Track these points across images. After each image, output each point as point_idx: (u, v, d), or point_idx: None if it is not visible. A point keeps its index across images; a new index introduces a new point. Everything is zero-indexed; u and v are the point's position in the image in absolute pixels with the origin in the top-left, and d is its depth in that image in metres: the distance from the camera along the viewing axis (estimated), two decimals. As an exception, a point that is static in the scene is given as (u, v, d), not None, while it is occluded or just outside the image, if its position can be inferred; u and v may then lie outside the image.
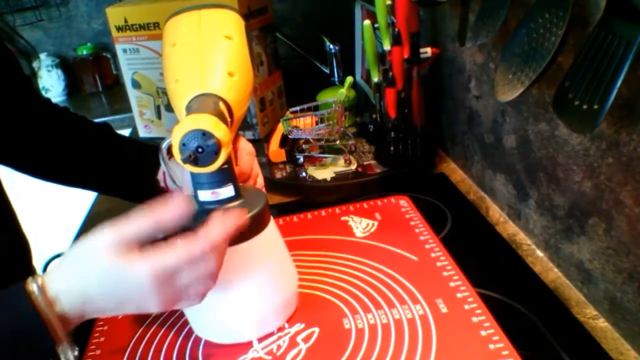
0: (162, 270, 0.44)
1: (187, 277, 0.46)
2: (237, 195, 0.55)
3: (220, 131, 0.48)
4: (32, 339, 0.45)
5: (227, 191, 0.54)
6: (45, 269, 0.81)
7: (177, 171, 0.63)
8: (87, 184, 0.77)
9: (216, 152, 0.48)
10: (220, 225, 0.47)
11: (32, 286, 0.44)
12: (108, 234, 0.45)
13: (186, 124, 0.48)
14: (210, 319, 0.58)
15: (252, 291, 0.57)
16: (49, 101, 0.77)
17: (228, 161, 0.52)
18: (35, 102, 0.74)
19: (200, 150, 0.48)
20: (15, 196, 0.74)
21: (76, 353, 0.47)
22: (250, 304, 0.57)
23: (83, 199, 1.03)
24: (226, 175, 0.53)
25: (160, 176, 0.71)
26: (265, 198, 0.57)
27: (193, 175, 0.53)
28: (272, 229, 0.58)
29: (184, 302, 0.48)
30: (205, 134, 0.47)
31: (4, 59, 0.68)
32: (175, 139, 0.48)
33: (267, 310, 0.58)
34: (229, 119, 0.51)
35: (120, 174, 0.74)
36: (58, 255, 0.85)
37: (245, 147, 0.63)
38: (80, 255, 0.46)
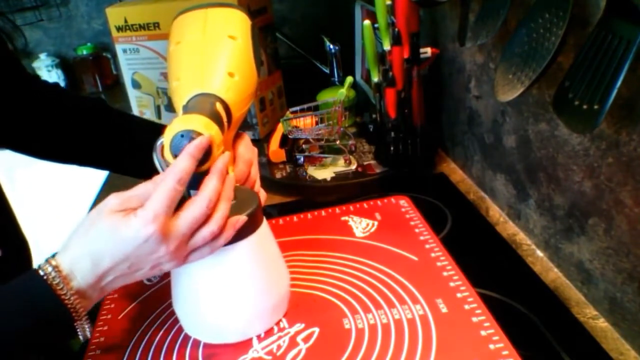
0: (153, 215, 0.46)
1: (183, 219, 0.47)
2: None
3: (210, 132, 0.48)
4: (54, 322, 0.46)
5: None
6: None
7: None
8: (83, 159, 0.75)
9: (207, 153, 0.49)
10: (182, 157, 0.48)
11: (47, 268, 0.46)
12: (106, 200, 0.48)
13: (177, 125, 0.48)
14: (201, 319, 0.57)
15: (243, 291, 0.56)
16: (37, 78, 0.75)
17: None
18: (23, 79, 0.72)
19: None
20: (14, 196, 0.74)
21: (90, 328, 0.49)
22: (241, 304, 0.57)
23: (84, 199, 1.03)
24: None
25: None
26: (257, 199, 0.56)
27: None
28: (264, 230, 0.58)
29: (193, 245, 0.49)
30: (195, 135, 0.48)
31: None
32: (166, 139, 0.48)
33: (258, 310, 0.58)
34: (225, 120, 0.51)
35: (114, 147, 0.72)
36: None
37: (244, 155, 0.61)
38: (84, 224, 0.48)
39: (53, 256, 0.47)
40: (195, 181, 0.52)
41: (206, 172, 0.50)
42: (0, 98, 0.67)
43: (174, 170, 0.47)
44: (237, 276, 0.56)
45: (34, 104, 0.71)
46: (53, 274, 0.45)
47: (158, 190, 0.47)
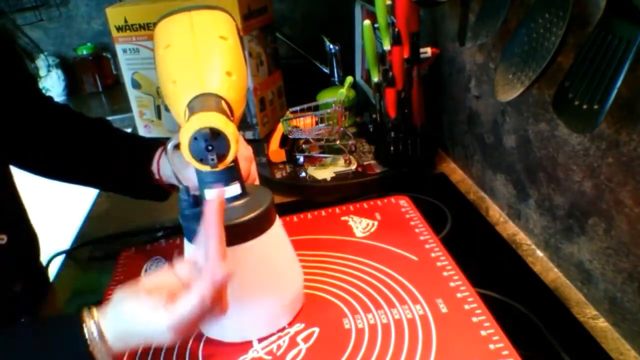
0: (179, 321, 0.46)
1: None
2: (244, 193, 0.55)
3: (229, 129, 0.48)
4: None
5: (234, 189, 0.54)
6: (48, 265, 0.82)
7: (182, 170, 0.63)
8: (84, 179, 0.78)
9: (226, 150, 0.49)
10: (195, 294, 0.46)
11: (92, 328, 0.47)
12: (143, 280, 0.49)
13: (195, 122, 0.47)
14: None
15: (258, 289, 0.57)
16: (50, 99, 0.78)
17: (234, 159, 0.52)
18: (37, 100, 0.75)
19: (210, 148, 0.48)
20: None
21: None
22: (257, 302, 0.57)
23: (84, 197, 1.03)
24: (233, 173, 0.54)
25: (154, 168, 0.71)
26: (271, 196, 0.57)
27: (200, 173, 0.53)
28: (278, 227, 0.58)
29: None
30: (215, 132, 0.48)
31: (9, 57, 0.69)
32: (184, 138, 0.48)
33: (273, 309, 0.58)
34: (231, 118, 0.52)
35: (115, 167, 0.74)
36: (61, 252, 0.85)
37: (244, 153, 0.63)
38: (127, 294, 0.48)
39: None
40: (213, 179, 0.52)
41: (227, 169, 0.51)
42: (15, 117, 0.69)
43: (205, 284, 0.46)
44: (249, 275, 0.56)
45: (45, 124, 0.74)
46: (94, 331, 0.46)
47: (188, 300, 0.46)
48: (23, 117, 0.72)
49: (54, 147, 0.74)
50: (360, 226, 0.77)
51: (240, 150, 0.61)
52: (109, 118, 0.78)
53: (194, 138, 0.48)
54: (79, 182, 0.77)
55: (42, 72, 1.87)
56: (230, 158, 0.50)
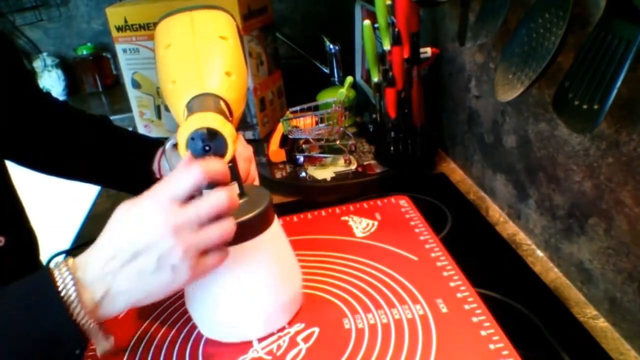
0: (162, 196, 0.45)
1: (194, 204, 0.46)
2: (242, 193, 0.55)
3: (227, 129, 0.48)
4: (62, 339, 0.45)
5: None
6: (48, 265, 0.82)
7: None
8: (84, 176, 0.78)
9: (224, 150, 0.49)
10: (216, 160, 0.47)
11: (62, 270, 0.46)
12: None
13: (193, 123, 0.47)
14: (215, 318, 0.58)
15: (257, 289, 0.57)
16: (48, 95, 0.78)
17: (232, 159, 0.52)
18: (35, 96, 0.75)
19: (207, 148, 0.48)
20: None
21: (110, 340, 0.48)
22: (256, 302, 0.57)
23: (84, 197, 1.04)
24: (231, 173, 0.54)
25: (155, 167, 0.71)
26: (269, 197, 0.57)
27: None
28: (276, 227, 0.58)
29: (204, 241, 0.47)
30: (212, 132, 0.48)
31: (7, 54, 0.69)
32: (181, 138, 0.48)
33: (272, 309, 0.58)
34: (230, 118, 0.52)
35: (116, 166, 0.74)
36: (61, 252, 0.85)
37: (243, 153, 0.62)
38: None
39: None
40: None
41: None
42: (14, 114, 0.69)
43: (201, 164, 0.46)
44: (248, 275, 0.56)
45: (44, 121, 0.75)
46: (65, 274, 0.45)
47: (174, 175, 0.46)
48: (22, 114, 0.72)
49: (54, 143, 0.74)
50: (360, 226, 0.77)
51: (239, 150, 0.61)
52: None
53: (191, 138, 0.48)
54: (79, 178, 0.77)
55: (40, 71, 1.88)
56: (227, 158, 0.50)
